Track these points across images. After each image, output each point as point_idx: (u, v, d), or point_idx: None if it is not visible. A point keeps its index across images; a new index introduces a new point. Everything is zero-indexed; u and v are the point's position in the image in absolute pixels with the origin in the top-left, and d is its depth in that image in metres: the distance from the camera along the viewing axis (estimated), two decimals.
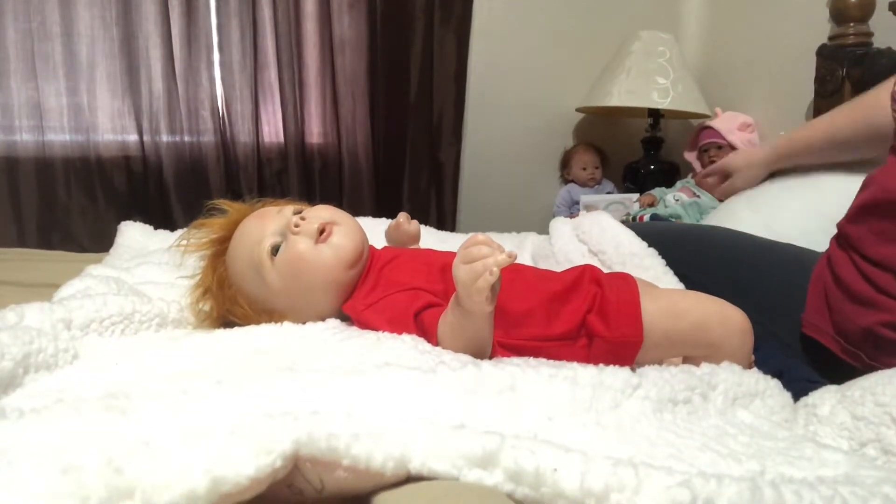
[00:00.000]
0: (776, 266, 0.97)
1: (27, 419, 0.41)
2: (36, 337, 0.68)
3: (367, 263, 0.88)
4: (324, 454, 0.37)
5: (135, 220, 1.52)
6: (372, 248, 0.91)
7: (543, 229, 1.49)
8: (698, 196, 1.95)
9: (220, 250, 0.88)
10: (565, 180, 2.60)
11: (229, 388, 0.47)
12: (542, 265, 1.13)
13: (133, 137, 2.07)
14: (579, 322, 0.75)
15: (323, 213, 0.87)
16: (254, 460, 0.35)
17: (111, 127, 2.07)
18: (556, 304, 0.77)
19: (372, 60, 2.29)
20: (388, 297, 0.81)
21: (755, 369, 0.68)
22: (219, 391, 0.46)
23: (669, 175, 2.39)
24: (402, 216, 1.04)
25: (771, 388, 0.65)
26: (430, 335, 0.74)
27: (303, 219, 0.84)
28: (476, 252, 0.64)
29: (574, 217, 1.88)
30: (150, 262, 1.10)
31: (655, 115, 2.43)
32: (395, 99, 2.33)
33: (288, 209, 0.87)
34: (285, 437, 0.37)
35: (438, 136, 2.42)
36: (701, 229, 1.22)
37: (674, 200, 1.94)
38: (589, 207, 2.12)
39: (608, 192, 2.43)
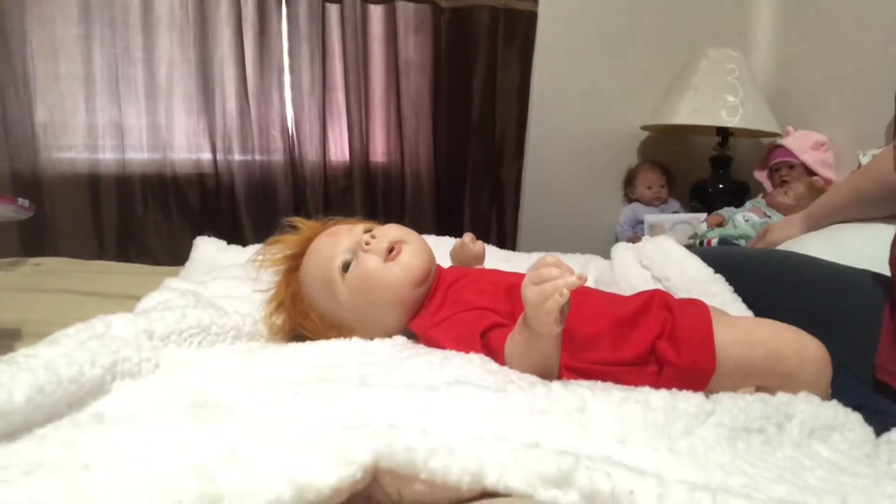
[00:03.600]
0: (850, 294, 0.93)
1: (122, 425, 0.44)
2: (122, 346, 0.71)
3: (434, 282, 0.89)
4: (402, 467, 0.38)
5: (207, 235, 1.58)
6: (439, 267, 0.93)
7: (606, 249, 1.48)
8: (769, 216, 1.90)
9: (293, 266, 0.91)
10: (629, 199, 2.57)
11: (308, 400, 0.49)
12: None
13: (207, 156, 2.16)
14: (648, 348, 0.74)
15: (392, 231, 0.89)
16: (336, 470, 0.37)
17: (186, 146, 2.17)
18: (624, 329, 0.76)
19: (436, 81, 2.33)
20: (454, 316, 0.82)
21: (834, 401, 0.66)
22: (298, 403, 0.48)
23: (739, 195, 2.33)
24: (468, 236, 1.05)
25: (851, 422, 0.63)
26: (496, 355, 0.74)
27: (373, 237, 0.86)
28: (546, 273, 0.64)
29: (638, 237, 1.86)
30: (225, 277, 1.14)
31: (724, 133, 2.39)
32: (457, 118, 2.36)
33: (359, 227, 0.90)
34: (366, 449, 0.38)
35: (500, 155, 2.43)
36: (770, 254, 1.18)
37: (743, 221, 1.89)
38: (654, 227, 2.09)
39: (674, 212, 2.39)
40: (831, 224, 1.29)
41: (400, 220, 0.94)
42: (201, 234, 1.60)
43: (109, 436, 0.42)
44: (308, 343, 0.83)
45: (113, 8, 2.03)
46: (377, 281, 0.85)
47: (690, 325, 0.74)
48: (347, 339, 0.83)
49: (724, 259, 1.08)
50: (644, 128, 2.53)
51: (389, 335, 0.85)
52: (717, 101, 2.24)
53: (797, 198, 1.92)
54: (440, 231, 1.67)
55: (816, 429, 0.61)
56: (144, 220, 2.14)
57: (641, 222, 2.31)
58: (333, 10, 2.20)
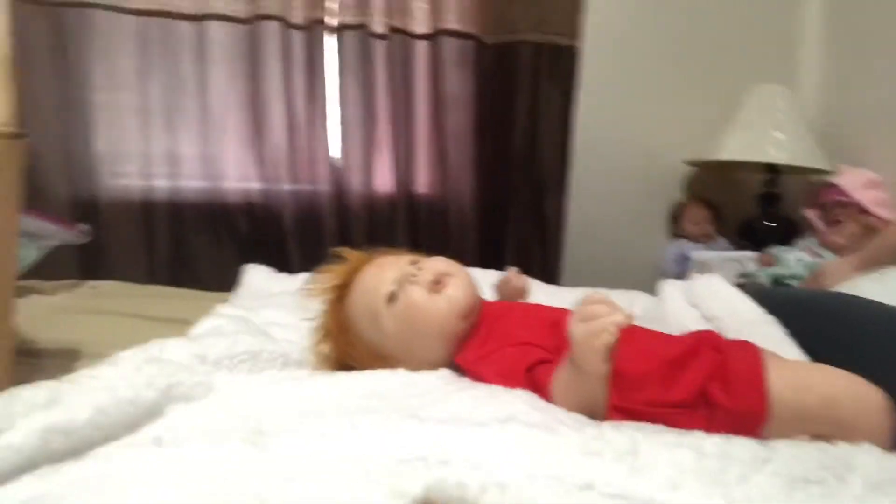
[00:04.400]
0: None
1: (182, 448, 0.45)
2: (177, 370, 0.73)
3: (479, 316, 0.89)
4: (454, 502, 0.38)
5: (254, 263, 1.61)
6: (483, 301, 0.93)
7: (650, 286, 1.46)
8: (821, 256, 1.85)
9: (341, 296, 0.92)
10: (676, 236, 2.53)
11: (361, 431, 0.49)
12: None
13: (256, 185, 2.22)
14: (698, 390, 0.72)
15: (438, 264, 0.89)
16: (388, 502, 0.37)
17: (237, 175, 2.22)
18: (673, 370, 0.74)
19: (478, 115, 2.35)
20: (499, 351, 0.82)
21: None
22: (351, 433, 0.49)
23: (788, 233, 2.28)
24: (512, 271, 1.05)
25: None
26: (541, 391, 0.73)
27: (419, 269, 0.87)
28: (594, 310, 0.64)
29: (685, 274, 1.82)
30: (274, 304, 1.17)
31: (773, 170, 2.35)
32: (500, 152, 2.38)
33: (405, 259, 0.91)
34: (418, 482, 0.38)
35: (543, 189, 2.43)
36: (825, 296, 1.14)
37: (795, 260, 1.85)
38: (701, 265, 2.06)
39: (722, 250, 2.34)
40: (888, 265, 1.25)
41: (442, 252, 0.94)
42: (249, 261, 1.64)
43: (169, 458, 0.43)
44: (354, 373, 0.84)
45: (170, 42, 2.11)
46: (422, 313, 0.85)
47: (742, 367, 0.72)
48: (393, 370, 0.84)
49: (776, 299, 1.05)
50: (689, 163, 2.51)
51: (434, 367, 0.85)
52: (764, 137, 2.21)
53: (851, 237, 1.87)
54: (482, 264, 1.68)
55: (882, 483, 0.58)
56: (195, 246, 2.19)
57: (688, 259, 2.27)
58: (379, 45, 2.25)
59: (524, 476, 0.41)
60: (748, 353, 0.74)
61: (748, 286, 1.26)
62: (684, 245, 2.42)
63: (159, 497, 0.37)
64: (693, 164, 2.50)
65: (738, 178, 2.60)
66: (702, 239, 2.42)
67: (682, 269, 2.30)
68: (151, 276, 2.13)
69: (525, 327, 0.86)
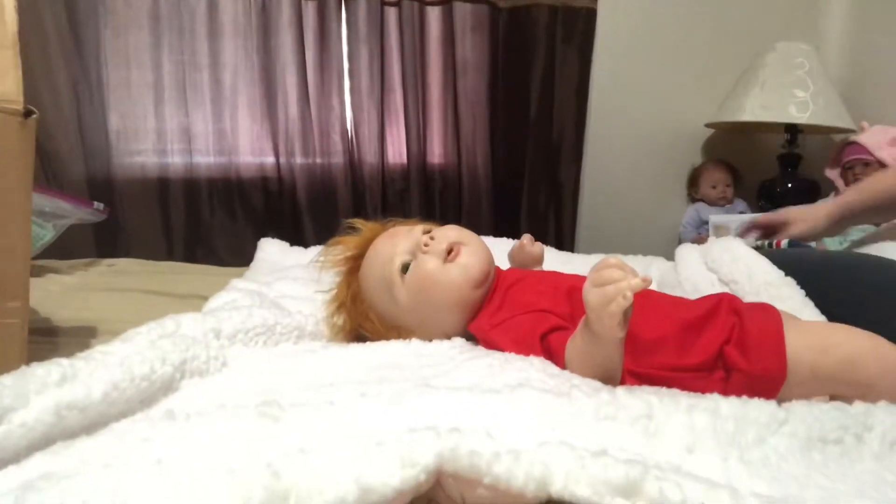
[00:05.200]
0: None
1: (193, 422, 0.45)
2: (191, 345, 0.74)
3: (493, 284, 0.89)
4: (466, 471, 0.38)
5: (270, 237, 1.62)
6: (497, 268, 0.92)
7: (668, 251, 1.44)
8: None
9: (354, 267, 0.92)
10: (693, 199, 2.50)
11: (373, 400, 0.49)
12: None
13: (270, 159, 2.22)
14: (715, 353, 0.71)
15: (451, 233, 0.89)
16: (399, 472, 0.37)
17: (250, 150, 2.22)
18: (690, 334, 0.73)
19: (493, 81, 2.32)
20: (514, 318, 0.81)
21: None
22: (363, 403, 0.49)
23: (809, 194, 2.25)
24: (526, 238, 1.04)
25: None
26: (556, 358, 0.73)
27: (432, 238, 0.87)
28: (608, 275, 0.63)
29: (703, 238, 1.80)
30: (288, 277, 1.17)
31: (793, 130, 2.30)
32: (515, 118, 2.35)
33: (418, 229, 0.90)
34: (429, 451, 0.38)
35: (558, 155, 2.41)
36: (847, 257, 1.11)
37: None
38: (719, 228, 2.02)
39: (740, 212, 2.31)
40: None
41: (457, 221, 0.94)
42: (264, 235, 1.65)
43: (181, 432, 0.44)
44: (368, 344, 0.84)
45: (181, 17, 2.10)
46: (436, 282, 0.85)
47: (760, 329, 0.71)
48: (406, 340, 0.84)
49: (795, 261, 1.03)
50: (709, 125, 2.46)
51: (448, 337, 0.85)
52: (785, 96, 2.16)
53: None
54: (497, 232, 1.67)
55: None
56: (211, 222, 2.21)
57: (706, 223, 2.24)
58: (391, 13, 2.22)
59: (537, 442, 0.40)
60: (767, 316, 0.73)
61: (765, 248, 1.21)
62: (702, 208, 2.39)
63: (170, 470, 0.37)
64: (713, 126, 2.46)
65: (757, 139, 2.56)
66: (720, 202, 2.39)
67: (699, 233, 2.27)
68: (168, 252, 2.15)
69: (539, 294, 0.85)
